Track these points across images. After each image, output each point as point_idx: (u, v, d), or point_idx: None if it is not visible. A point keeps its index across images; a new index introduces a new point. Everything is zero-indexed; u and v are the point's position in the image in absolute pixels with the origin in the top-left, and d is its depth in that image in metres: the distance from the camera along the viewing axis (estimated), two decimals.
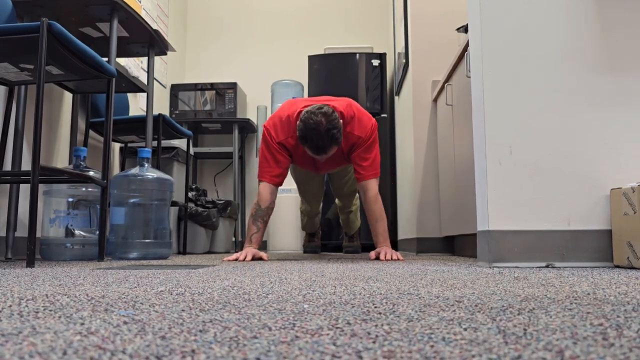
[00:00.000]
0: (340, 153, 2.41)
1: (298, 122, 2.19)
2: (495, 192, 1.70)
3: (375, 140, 2.35)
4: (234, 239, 3.98)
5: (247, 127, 4.47)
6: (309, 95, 4.20)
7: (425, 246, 3.22)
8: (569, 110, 1.72)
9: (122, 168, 3.26)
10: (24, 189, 2.36)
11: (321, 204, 3.01)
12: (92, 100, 2.89)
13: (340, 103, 2.33)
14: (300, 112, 2.28)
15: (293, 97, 4.20)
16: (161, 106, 4.25)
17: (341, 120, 2.23)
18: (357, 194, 2.96)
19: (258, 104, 4.79)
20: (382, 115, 4.11)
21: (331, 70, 4.18)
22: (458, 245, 2.97)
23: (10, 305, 0.67)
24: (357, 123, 2.30)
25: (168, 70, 4.41)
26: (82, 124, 2.86)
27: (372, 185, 2.34)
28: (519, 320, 0.55)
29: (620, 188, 1.60)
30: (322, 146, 2.15)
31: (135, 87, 2.67)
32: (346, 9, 4.87)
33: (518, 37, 1.76)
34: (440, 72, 3.30)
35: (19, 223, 2.30)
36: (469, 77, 2.33)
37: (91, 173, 2.17)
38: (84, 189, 2.27)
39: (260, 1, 4.93)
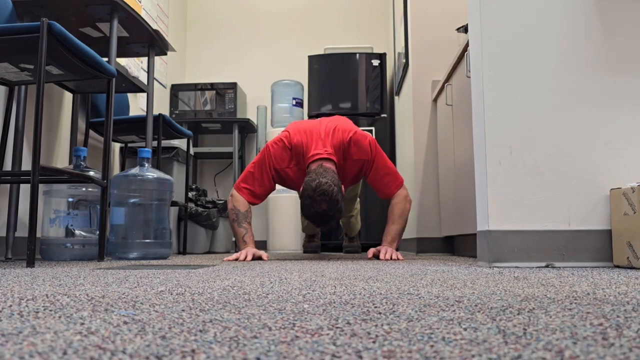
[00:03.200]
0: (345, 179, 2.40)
1: (301, 197, 2.16)
2: (495, 192, 1.70)
3: (380, 154, 2.33)
4: (234, 239, 3.98)
5: (247, 127, 4.47)
6: (309, 95, 4.20)
7: (425, 246, 3.22)
8: (568, 110, 1.72)
9: (122, 168, 3.26)
10: (24, 189, 2.36)
11: None
12: (92, 100, 2.89)
13: (337, 132, 2.29)
14: (305, 147, 2.25)
15: (293, 98, 4.20)
16: (161, 106, 4.25)
17: (342, 188, 2.19)
18: (358, 199, 2.96)
19: (258, 104, 4.79)
20: (382, 115, 4.11)
21: (331, 70, 4.18)
22: (458, 245, 2.97)
23: (11, 305, 0.67)
24: (356, 148, 2.29)
25: (168, 70, 4.41)
26: (82, 124, 2.86)
27: (400, 192, 2.35)
28: (519, 320, 0.55)
29: (620, 188, 1.60)
30: (323, 224, 2.20)
31: (135, 87, 2.67)
32: (346, 9, 4.87)
33: (518, 37, 1.76)
34: (440, 72, 3.30)
35: (19, 223, 2.30)
36: (469, 77, 2.33)
37: (91, 173, 2.17)
38: (84, 189, 2.27)
39: (261, 1, 4.93)
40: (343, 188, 2.27)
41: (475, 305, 0.67)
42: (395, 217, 2.33)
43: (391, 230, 2.34)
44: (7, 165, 2.27)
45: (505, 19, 1.77)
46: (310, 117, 4.16)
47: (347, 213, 2.96)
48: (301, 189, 2.17)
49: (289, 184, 2.40)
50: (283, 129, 3.11)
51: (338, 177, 2.19)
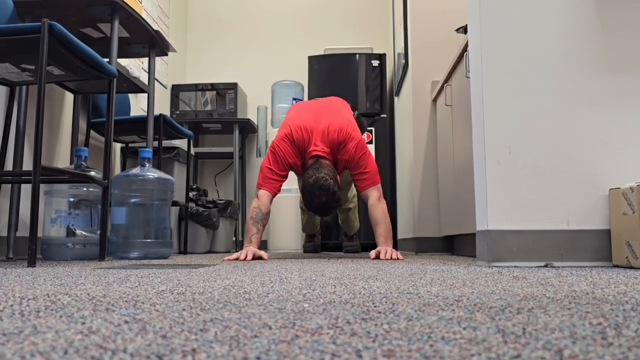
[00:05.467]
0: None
1: (302, 192, 2.39)
2: (495, 192, 1.71)
3: (364, 154, 2.48)
4: (234, 238, 3.98)
5: (247, 128, 4.47)
6: (309, 96, 4.20)
7: (424, 246, 3.22)
8: (568, 110, 1.73)
9: (123, 168, 3.27)
10: (26, 189, 2.36)
11: None
12: (93, 101, 2.89)
13: (332, 132, 2.46)
14: (305, 143, 2.46)
15: (293, 99, 4.20)
16: (162, 106, 4.25)
17: (339, 183, 2.42)
18: (355, 192, 3.00)
19: (258, 104, 4.79)
20: (382, 115, 4.11)
21: (331, 71, 4.18)
22: (457, 245, 2.97)
23: (12, 305, 0.67)
24: (344, 150, 2.48)
25: (169, 70, 4.41)
26: (83, 124, 2.86)
27: (371, 193, 2.48)
28: (518, 319, 0.56)
29: (619, 188, 1.61)
30: (326, 214, 2.46)
31: (136, 87, 2.67)
32: (346, 9, 4.87)
33: (517, 37, 1.76)
34: (439, 73, 3.30)
35: (20, 223, 2.30)
36: (469, 77, 2.33)
37: (92, 173, 2.18)
38: (85, 189, 2.27)
39: (261, 1, 4.93)
40: (338, 178, 2.52)
41: (475, 305, 0.67)
42: (380, 219, 2.44)
43: (380, 230, 2.43)
44: (9, 166, 2.27)
45: (505, 19, 1.77)
46: None
47: (345, 204, 3.01)
48: (301, 185, 2.41)
49: (297, 171, 2.60)
50: None
51: (333, 169, 2.44)
